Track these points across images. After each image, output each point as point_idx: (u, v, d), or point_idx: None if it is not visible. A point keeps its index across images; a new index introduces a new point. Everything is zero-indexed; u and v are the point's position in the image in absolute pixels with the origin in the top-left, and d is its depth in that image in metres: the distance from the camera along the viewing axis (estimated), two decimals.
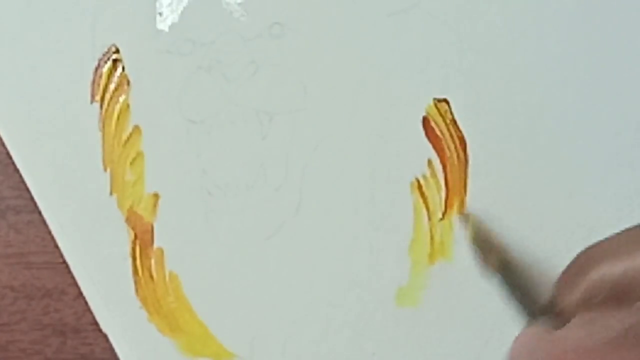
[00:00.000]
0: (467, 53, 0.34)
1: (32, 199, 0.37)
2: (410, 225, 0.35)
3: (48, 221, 0.37)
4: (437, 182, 0.34)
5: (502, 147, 0.34)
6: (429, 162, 0.34)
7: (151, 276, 0.36)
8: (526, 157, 0.34)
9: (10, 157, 0.38)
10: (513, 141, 0.34)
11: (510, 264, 0.32)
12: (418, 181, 0.35)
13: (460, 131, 0.34)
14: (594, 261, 0.23)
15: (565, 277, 0.24)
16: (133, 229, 0.36)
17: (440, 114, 0.34)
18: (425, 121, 0.34)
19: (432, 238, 0.34)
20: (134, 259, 0.36)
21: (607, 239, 0.23)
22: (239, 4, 0.36)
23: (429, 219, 0.34)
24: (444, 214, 0.34)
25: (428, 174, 0.35)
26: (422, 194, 0.35)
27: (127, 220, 0.36)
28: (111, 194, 0.36)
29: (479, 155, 0.34)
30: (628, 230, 0.23)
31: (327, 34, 0.35)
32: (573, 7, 0.34)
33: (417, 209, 0.34)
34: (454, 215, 0.34)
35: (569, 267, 0.24)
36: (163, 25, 0.36)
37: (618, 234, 0.23)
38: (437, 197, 0.34)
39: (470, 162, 0.34)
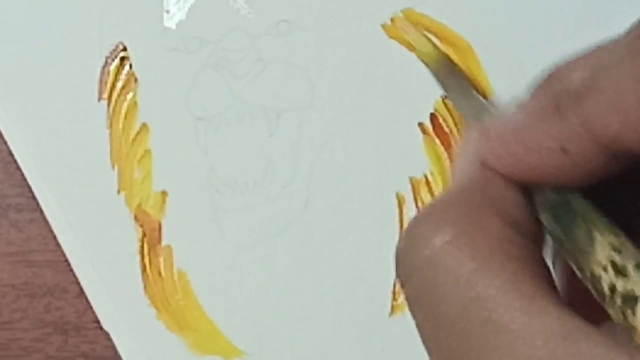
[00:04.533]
0: (475, 49, 0.34)
1: (33, 197, 0.37)
2: None
3: (53, 220, 0.37)
4: (445, 178, 0.34)
5: None
6: (437, 158, 0.35)
7: (159, 274, 0.36)
8: None
9: (12, 155, 0.38)
10: None
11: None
12: (426, 177, 0.35)
13: None
14: (553, 73, 0.20)
15: (538, 84, 0.21)
16: (141, 226, 0.36)
17: (448, 110, 0.34)
18: (433, 117, 0.35)
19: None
20: (142, 256, 0.36)
21: (574, 55, 0.20)
22: (246, 2, 0.36)
23: None
24: None
25: (436, 170, 0.35)
26: (430, 190, 0.35)
27: (135, 217, 0.36)
28: (119, 191, 0.36)
29: None
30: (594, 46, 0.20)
31: (334, 30, 0.35)
32: (580, 5, 0.34)
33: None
34: None
35: (542, 73, 0.21)
36: (170, 23, 0.36)
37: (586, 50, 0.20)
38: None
39: None
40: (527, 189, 0.19)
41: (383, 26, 0.35)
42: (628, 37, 0.18)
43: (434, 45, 0.34)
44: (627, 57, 0.17)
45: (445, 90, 0.32)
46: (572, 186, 0.19)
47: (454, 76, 0.32)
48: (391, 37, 0.35)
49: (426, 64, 0.34)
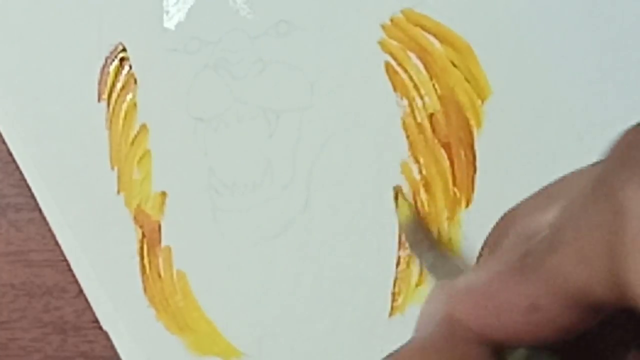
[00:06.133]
0: (474, 49, 0.34)
1: (32, 196, 0.37)
2: None
3: (52, 220, 0.37)
4: (445, 179, 0.34)
5: (510, 143, 0.34)
6: (437, 159, 0.34)
7: (159, 274, 0.36)
8: (534, 154, 0.34)
9: (11, 155, 0.38)
10: (521, 138, 0.34)
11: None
12: (426, 178, 0.35)
13: (468, 127, 0.34)
14: (514, 219, 0.20)
15: (488, 242, 0.22)
16: (141, 227, 0.36)
17: (447, 111, 0.34)
18: (432, 118, 0.35)
19: (440, 235, 0.34)
20: (142, 257, 0.36)
21: (530, 196, 0.21)
22: (245, 2, 0.36)
23: (437, 216, 0.35)
24: (451, 212, 0.34)
25: (435, 171, 0.35)
26: (429, 191, 0.35)
27: (135, 218, 0.36)
28: (118, 192, 0.36)
29: (486, 151, 0.34)
30: (550, 184, 0.20)
31: (333, 31, 0.35)
32: (580, 5, 0.34)
33: (425, 207, 0.35)
34: (462, 212, 0.34)
35: (492, 230, 0.22)
36: (169, 23, 0.36)
37: (541, 189, 0.21)
38: (444, 194, 0.34)
39: (478, 158, 0.34)
40: (496, 347, 0.19)
41: (382, 26, 0.35)
42: (590, 176, 0.17)
43: (409, 204, 0.34)
44: (590, 203, 0.16)
45: (412, 246, 0.33)
46: (544, 343, 0.18)
47: (423, 233, 0.33)
48: (391, 38, 0.35)
49: (401, 222, 0.34)
